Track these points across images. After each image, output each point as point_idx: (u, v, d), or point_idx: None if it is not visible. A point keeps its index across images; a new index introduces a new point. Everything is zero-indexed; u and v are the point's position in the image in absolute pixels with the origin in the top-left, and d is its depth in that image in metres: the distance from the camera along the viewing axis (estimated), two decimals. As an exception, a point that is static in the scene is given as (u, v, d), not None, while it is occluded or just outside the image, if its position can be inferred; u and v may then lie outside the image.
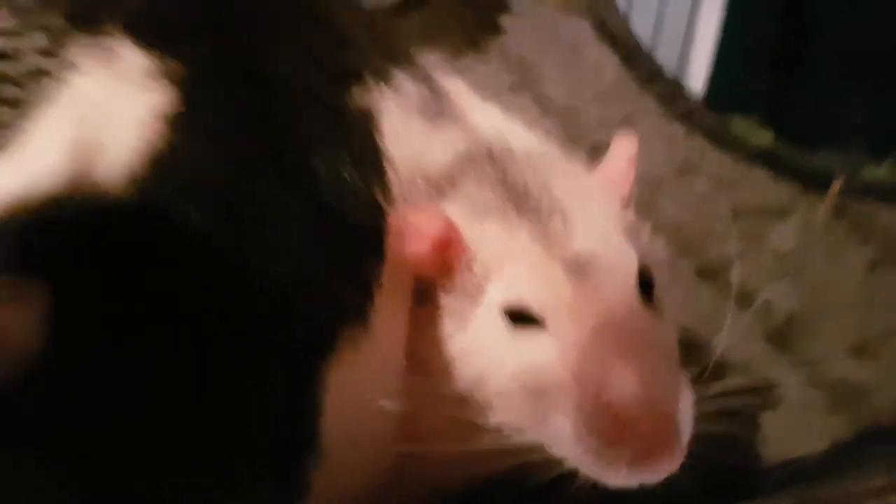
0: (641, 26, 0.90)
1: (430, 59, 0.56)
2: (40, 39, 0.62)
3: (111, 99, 0.36)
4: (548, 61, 0.65)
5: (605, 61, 0.62)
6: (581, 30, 0.64)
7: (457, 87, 0.52)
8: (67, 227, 0.29)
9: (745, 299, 0.42)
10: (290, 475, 0.30)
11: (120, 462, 0.27)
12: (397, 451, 0.33)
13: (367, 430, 0.33)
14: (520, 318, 0.31)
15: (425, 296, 0.34)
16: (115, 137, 0.32)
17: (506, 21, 0.71)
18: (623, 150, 0.37)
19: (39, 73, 0.61)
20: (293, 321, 0.29)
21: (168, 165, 0.30)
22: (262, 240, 0.29)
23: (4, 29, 0.62)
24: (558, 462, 0.32)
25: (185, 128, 0.32)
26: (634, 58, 0.60)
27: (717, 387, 0.32)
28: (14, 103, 0.58)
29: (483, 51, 0.70)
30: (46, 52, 0.63)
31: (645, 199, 0.53)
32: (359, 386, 0.32)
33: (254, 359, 0.29)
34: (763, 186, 0.48)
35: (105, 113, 0.34)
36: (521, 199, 0.33)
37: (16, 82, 0.59)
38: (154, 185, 0.29)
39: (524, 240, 0.32)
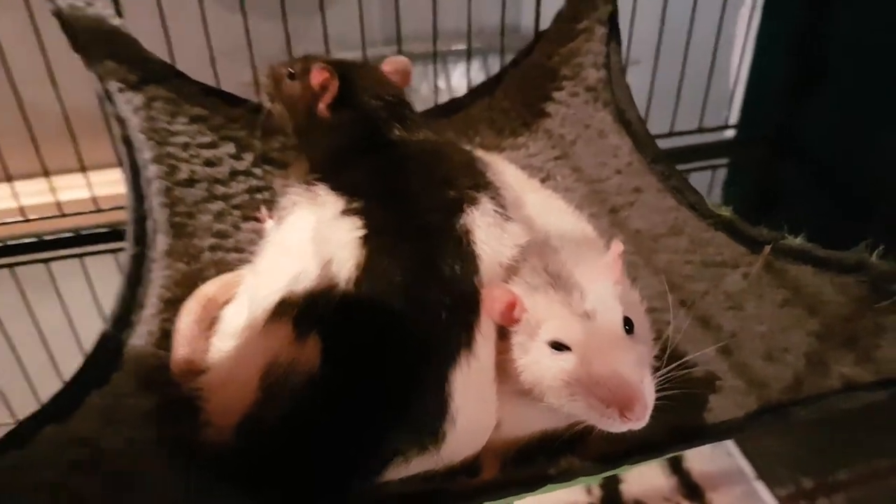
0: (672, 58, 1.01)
1: (496, 160, 0.75)
2: (231, 148, 0.86)
3: (326, 226, 0.56)
4: (580, 141, 0.82)
5: (622, 144, 0.77)
6: (604, 118, 0.80)
7: (514, 177, 0.73)
8: (329, 307, 0.50)
9: (706, 322, 0.62)
10: (432, 430, 0.48)
11: (360, 420, 0.49)
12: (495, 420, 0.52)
13: (476, 408, 0.50)
14: (557, 346, 0.48)
15: (504, 335, 0.51)
16: (339, 254, 0.53)
17: (550, 107, 0.87)
18: (616, 249, 0.53)
19: (235, 174, 0.86)
20: (438, 350, 0.50)
21: (373, 272, 0.51)
22: (424, 312, 0.50)
23: (205, 142, 0.87)
24: (582, 421, 0.49)
25: (376, 248, 0.52)
26: (643, 143, 0.75)
27: (672, 368, 0.50)
28: (223, 197, 0.83)
29: (533, 130, 0.87)
30: (236, 157, 0.87)
31: (646, 248, 0.71)
32: (469, 384, 0.49)
33: (417, 370, 0.49)
34: (723, 246, 0.63)
35: (326, 237, 0.55)
36: (556, 281, 0.51)
37: (221, 182, 0.84)
38: (367, 285, 0.50)
39: (558, 305, 0.50)
